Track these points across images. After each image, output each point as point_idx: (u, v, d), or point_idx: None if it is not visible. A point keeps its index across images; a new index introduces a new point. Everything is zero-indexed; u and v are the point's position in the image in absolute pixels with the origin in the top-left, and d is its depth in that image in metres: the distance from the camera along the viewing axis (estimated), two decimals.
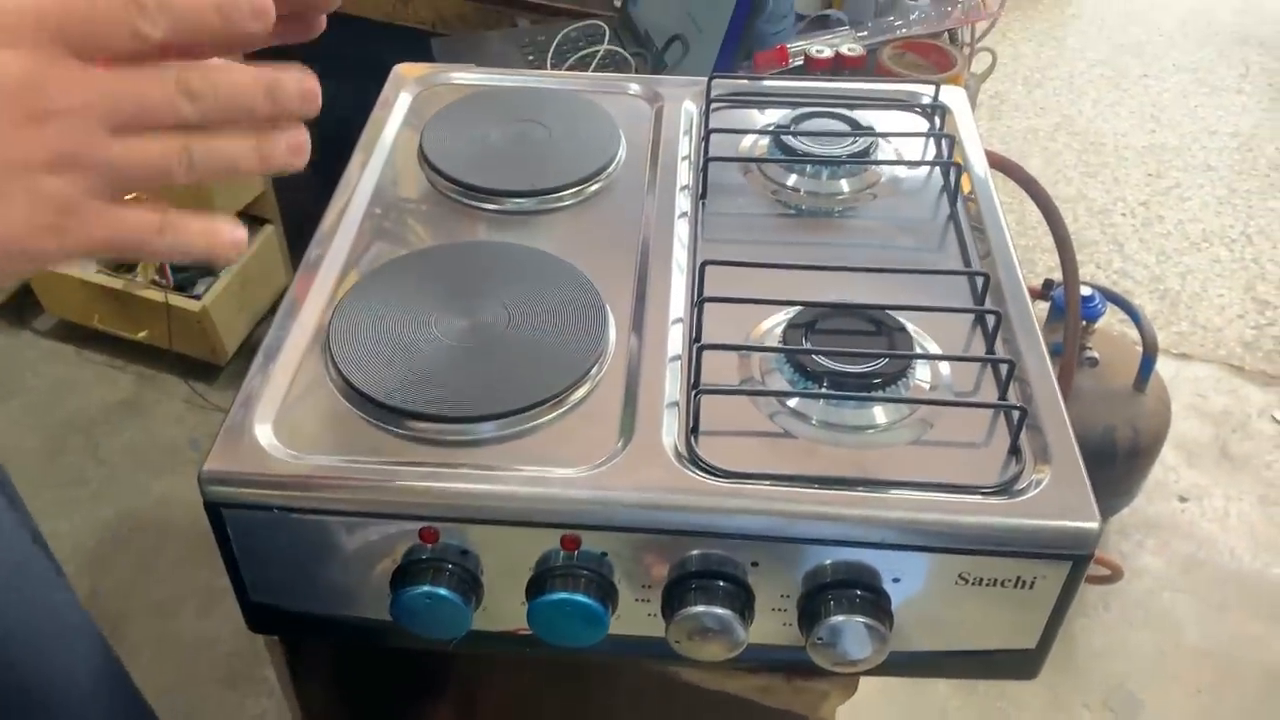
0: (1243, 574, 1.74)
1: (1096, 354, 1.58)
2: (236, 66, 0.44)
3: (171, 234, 0.46)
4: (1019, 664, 0.66)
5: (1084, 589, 1.74)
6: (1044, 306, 1.61)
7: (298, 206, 1.89)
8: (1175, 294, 2.30)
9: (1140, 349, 1.57)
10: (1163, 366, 1.75)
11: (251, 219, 1.95)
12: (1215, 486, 1.88)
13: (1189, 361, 2.13)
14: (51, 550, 0.75)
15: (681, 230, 0.79)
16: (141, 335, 1.93)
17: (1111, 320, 1.65)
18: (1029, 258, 2.18)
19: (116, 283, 1.88)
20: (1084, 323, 1.56)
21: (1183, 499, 1.86)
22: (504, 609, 0.63)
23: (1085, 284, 1.56)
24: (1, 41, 0.39)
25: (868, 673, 0.64)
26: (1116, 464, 1.55)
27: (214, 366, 1.97)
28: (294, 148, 0.47)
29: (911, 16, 1.25)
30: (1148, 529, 1.80)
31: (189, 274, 1.91)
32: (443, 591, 0.60)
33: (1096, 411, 1.54)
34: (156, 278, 1.89)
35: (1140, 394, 1.57)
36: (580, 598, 0.60)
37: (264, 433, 0.62)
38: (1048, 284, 1.55)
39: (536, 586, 0.61)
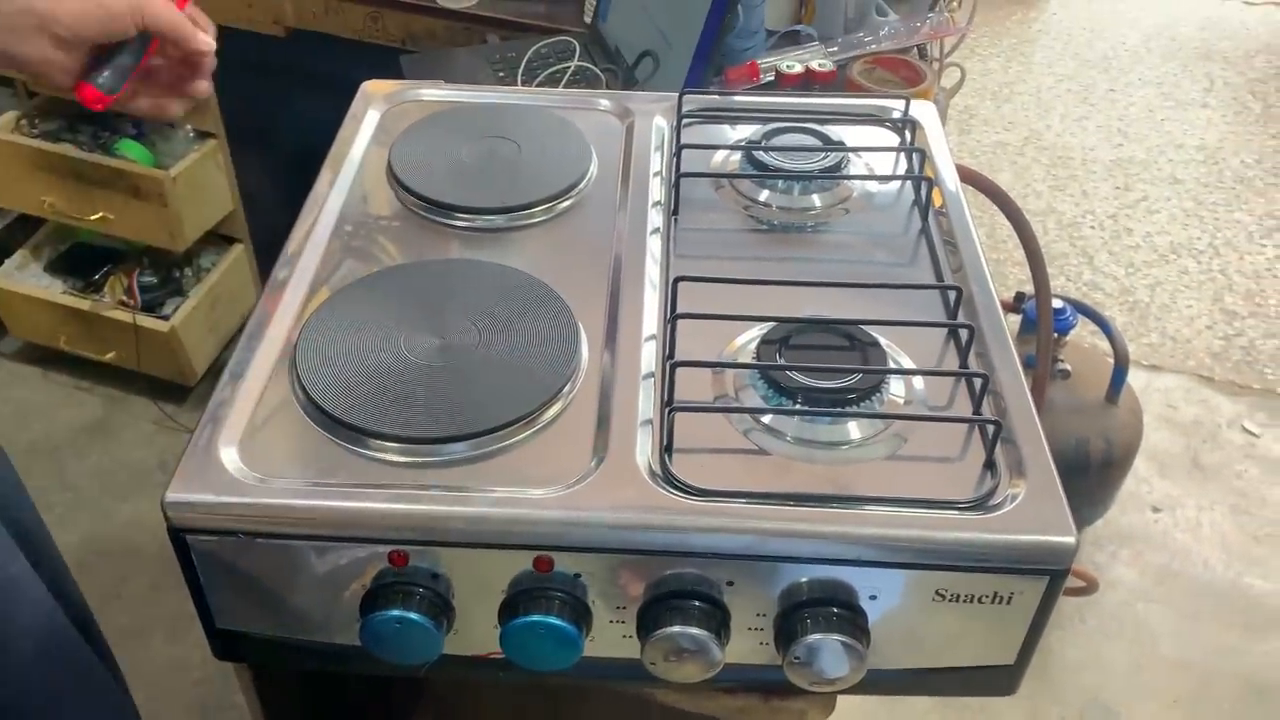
0: (1216, 584, 1.75)
1: (1069, 366, 1.59)
2: None
3: None
4: (998, 680, 0.65)
5: (1060, 601, 1.75)
6: (1016, 319, 1.62)
7: (267, 225, 1.87)
8: (1145, 306, 2.32)
9: (1112, 361, 1.58)
10: (1133, 378, 1.76)
11: (221, 238, 1.93)
12: (1187, 497, 1.89)
13: (1159, 372, 2.15)
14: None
15: (654, 246, 0.79)
16: (109, 356, 1.90)
17: (1083, 332, 1.66)
18: (1000, 271, 2.19)
19: (83, 303, 1.85)
20: (1056, 335, 1.57)
21: (1155, 509, 1.87)
22: (476, 633, 0.62)
23: (1056, 296, 1.57)
24: None
25: (845, 691, 0.63)
26: (1090, 475, 1.56)
27: (183, 387, 1.95)
28: None
29: (881, 32, 1.26)
30: (1122, 540, 1.81)
31: (157, 294, 1.88)
32: (413, 615, 0.59)
33: (1069, 423, 1.54)
34: (124, 298, 1.86)
35: (1113, 405, 1.58)
36: (553, 620, 0.59)
37: (229, 456, 0.61)
38: (1019, 296, 1.56)
39: (509, 609, 0.60)
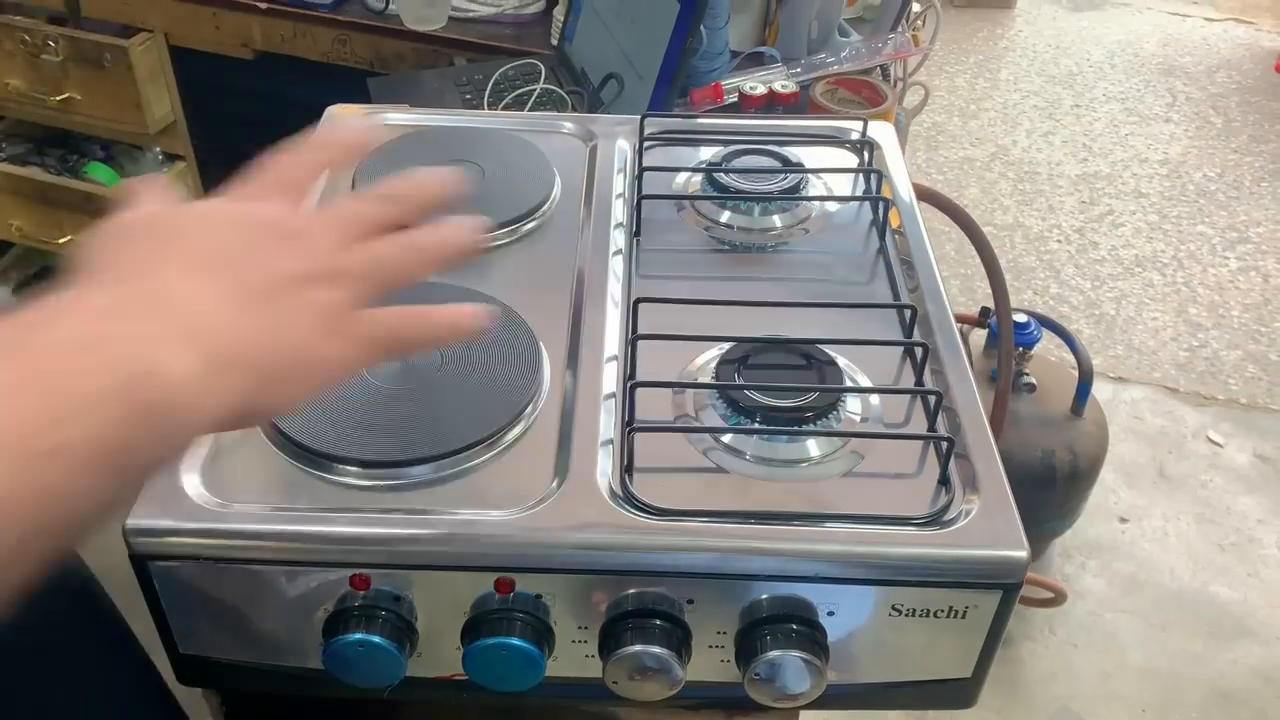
0: (1183, 593, 1.77)
1: (1034, 379, 1.61)
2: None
3: (425, 319, 0.52)
4: (957, 693, 0.66)
5: (1029, 612, 1.77)
6: (983, 333, 1.64)
7: None
8: (1111, 318, 2.35)
9: (1076, 374, 1.60)
10: (1100, 389, 1.79)
11: None
12: (1154, 507, 1.92)
13: (1126, 384, 2.17)
14: None
15: (616, 267, 0.79)
16: None
17: (1049, 345, 1.68)
18: (970, 285, 2.22)
19: None
20: (1021, 349, 1.59)
21: (1123, 520, 1.89)
22: (439, 654, 0.63)
23: (1022, 311, 1.59)
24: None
25: (807, 706, 0.64)
26: (1056, 487, 1.58)
27: None
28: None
29: (843, 53, 1.28)
30: (1090, 551, 1.83)
31: None
32: (376, 639, 0.60)
33: (1035, 436, 1.56)
34: None
35: (1078, 418, 1.60)
36: (515, 641, 0.60)
37: (191, 482, 0.61)
38: (984, 311, 1.58)
39: (472, 631, 0.61)
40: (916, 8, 1.49)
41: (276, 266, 0.47)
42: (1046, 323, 1.61)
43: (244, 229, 0.48)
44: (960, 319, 1.57)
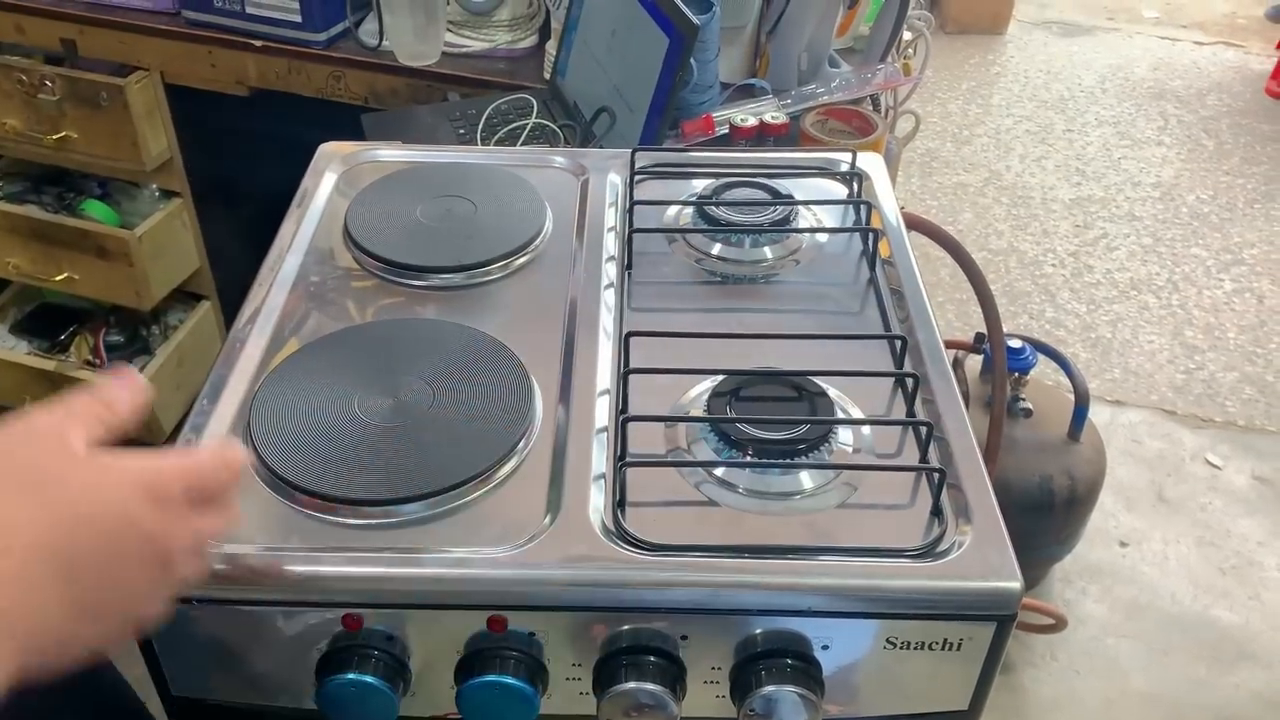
0: (1184, 617, 1.76)
1: (1030, 404, 1.61)
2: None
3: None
4: None
5: (1030, 639, 1.76)
6: (979, 359, 1.64)
7: (234, 282, 1.87)
8: (1107, 342, 2.36)
9: (1073, 398, 1.60)
10: (1098, 413, 1.79)
11: (188, 295, 1.93)
12: (1154, 530, 1.91)
13: (1123, 407, 2.17)
14: None
15: (608, 300, 0.80)
16: None
17: (1045, 370, 1.68)
18: (965, 311, 2.22)
19: (49, 364, 1.84)
20: (1016, 374, 1.59)
21: (1123, 544, 1.88)
22: (433, 694, 0.62)
23: (1017, 336, 1.59)
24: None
25: None
26: (1055, 512, 1.57)
27: (151, 446, 1.93)
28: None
29: (833, 84, 1.29)
30: (1090, 575, 1.82)
31: (124, 353, 1.88)
32: (369, 679, 0.59)
33: (1032, 461, 1.56)
34: (90, 358, 1.86)
35: (1075, 442, 1.60)
36: (509, 680, 0.59)
37: None
38: (979, 337, 1.58)
39: (465, 669, 0.60)
40: (908, 36, 1.50)
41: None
42: (1041, 347, 1.61)
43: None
44: (955, 344, 1.57)
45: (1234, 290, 2.53)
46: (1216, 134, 3.16)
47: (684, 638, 0.61)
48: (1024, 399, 1.61)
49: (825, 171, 0.94)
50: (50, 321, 1.93)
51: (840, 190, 0.92)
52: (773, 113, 1.19)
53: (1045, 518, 1.57)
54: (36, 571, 0.44)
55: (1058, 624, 1.38)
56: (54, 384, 1.85)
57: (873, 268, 0.83)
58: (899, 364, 0.73)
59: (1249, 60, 3.61)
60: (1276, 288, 2.54)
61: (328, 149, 0.97)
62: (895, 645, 0.61)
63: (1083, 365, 2.13)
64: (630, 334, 0.72)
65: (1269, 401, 2.21)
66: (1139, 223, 2.77)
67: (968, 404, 1.54)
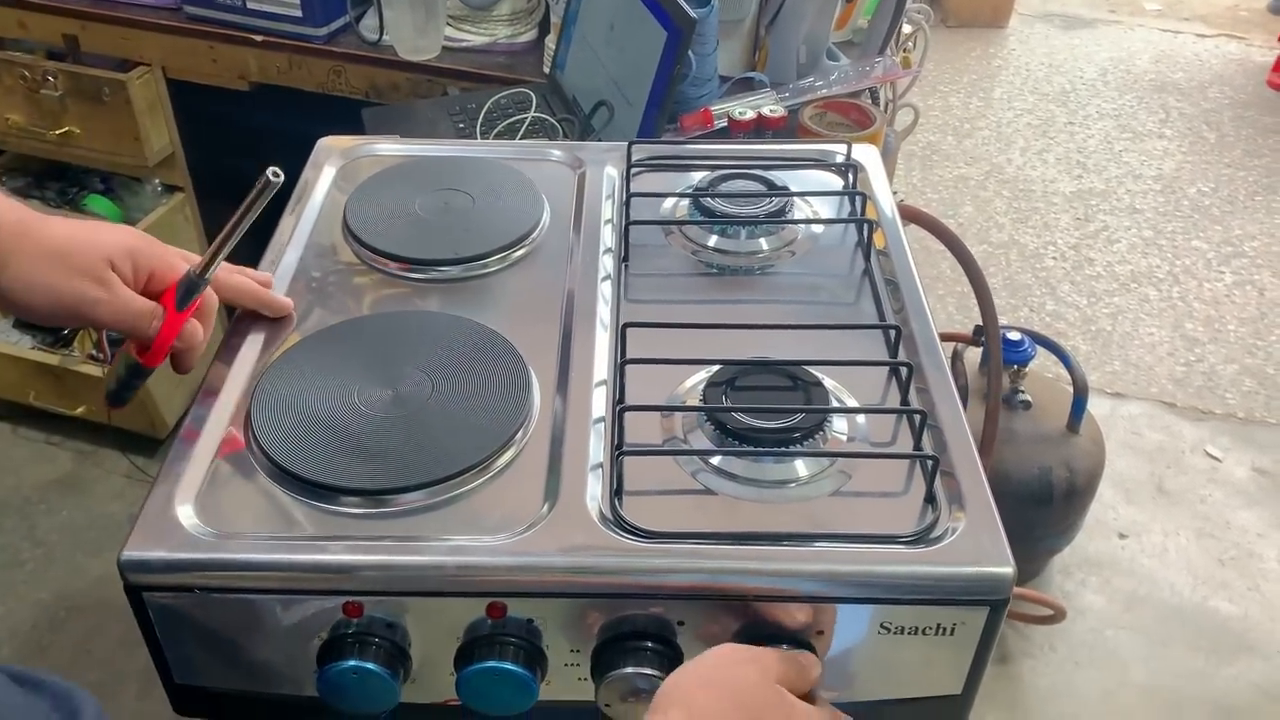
0: (1183, 608, 1.77)
1: (1029, 397, 1.62)
2: None
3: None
4: (947, 710, 0.66)
5: (1029, 630, 1.76)
6: (978, 351, 1.64)
7: None
8: (1107, 334, 2.36)
9: (1072, 390, 1.60)
10: (1097, 405, 1.79)
11: None
12: (1153, 522, 1.92)
13: (1123, 400, 2.18)
14: None
15: (605, 292, 0.80)
16: (79, 411, 1.90)
17: (1045, 363, 1.68)
18: (966, 303, 2.22)
19: (52, 358, 1.85)
20: (1016, 366, 1.60)
21: (1122, 535, 1.89)
22: (433, 680, 0.63)
23: (1015, 328, 1.60)
24: None
25: None
26: (1054, 504, 1.58)
27: (154, 440, 1.95)
28: None
29: (831, 77, 1.29)
30: (1090, 567, 1.83)
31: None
32: (370, 665, 0.60)
33: (1032, 453, 1.56)
34: (93, 351, 1.86)
35: (1074, 434, 1.60)
36: (508, 666, 0.60)
37: (185, 513, 0.62)
38: (978, 330, 1.58)
39: (465, 656, 0.61)
40: (907, 29, 1.50)
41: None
42: (1041, 340, 1.62)
43: None
44: (955, 337, 1.57)
45: (1234, 283, 2.53)
46: (1218, 127, 3.16)
47: (680, 623, 0.61)
48: (1023, 391, 1.62)
49: (820, 163, 0.95)
50: None
51: (836, 182, 0.93)
52: (771, 106, 1.20)
53: (1044, 509, 1.57)
54: None
55: (1057, 615, 1.39)
56: (58, 378, 1.86)
57: (867, 258, 0.83)
58: (893, 353, 0.74)
59: (1251, 53, 3.60)
60: (1277, 280, 2.54)
61: (326, 143, 0.98)
62: (889, 630, 0.61)
63: (1083, 357, 2.13)
64: (627, 325, 0.73)
65: (1269, 394, 2.21)
66: (1140, 215, 2.77)
67: (967, 396, 1.56)
